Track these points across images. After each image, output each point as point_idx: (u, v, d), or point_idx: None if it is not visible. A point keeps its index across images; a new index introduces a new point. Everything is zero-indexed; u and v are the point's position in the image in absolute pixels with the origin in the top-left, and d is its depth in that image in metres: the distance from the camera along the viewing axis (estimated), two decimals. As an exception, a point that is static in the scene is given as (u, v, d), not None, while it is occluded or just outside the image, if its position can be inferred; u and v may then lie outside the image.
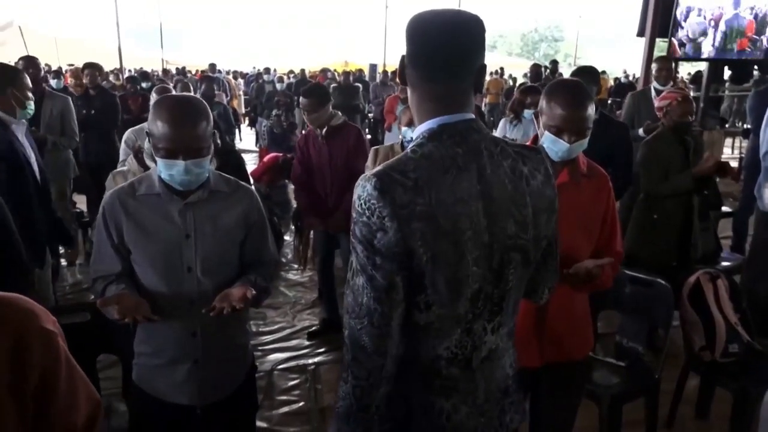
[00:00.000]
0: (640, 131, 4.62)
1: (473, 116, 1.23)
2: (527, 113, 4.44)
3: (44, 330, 0.98)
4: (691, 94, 8.02)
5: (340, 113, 3.87)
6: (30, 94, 3.06)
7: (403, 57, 1.25)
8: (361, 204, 1.14)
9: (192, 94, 1.75)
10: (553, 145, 1.89)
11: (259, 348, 3.80)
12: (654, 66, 4.99)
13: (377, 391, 1.21)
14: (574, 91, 1.90)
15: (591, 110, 1.90)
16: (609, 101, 11.06)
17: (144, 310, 1.60)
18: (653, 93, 4.79)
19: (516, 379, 1.41)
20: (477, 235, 1.18)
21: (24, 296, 1.01)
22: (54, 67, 19.69)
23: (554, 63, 11.37)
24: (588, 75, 3.56)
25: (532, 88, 4.70)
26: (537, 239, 1.28)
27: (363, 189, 1.14)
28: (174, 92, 4.05)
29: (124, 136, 3.76)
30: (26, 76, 3.14)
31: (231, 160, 4.62)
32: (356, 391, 1.21)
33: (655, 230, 3.49)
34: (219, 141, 4.48)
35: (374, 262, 1.15)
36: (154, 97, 3.89)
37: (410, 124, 3.27)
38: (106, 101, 5.82)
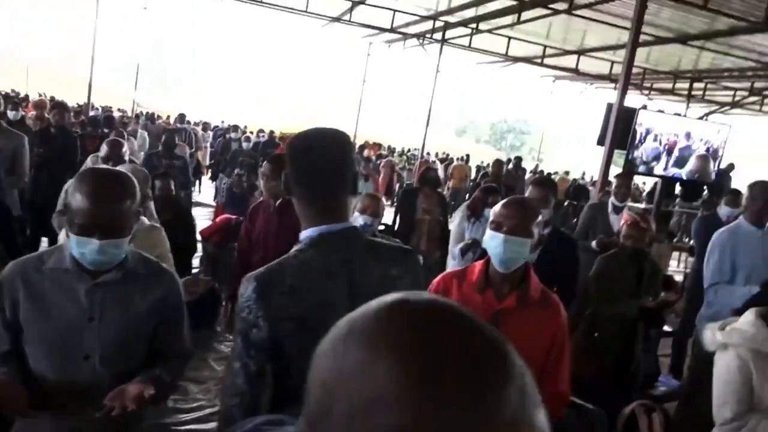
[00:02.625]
0: (593, 244, 4.67)
1: (351, 224, 1.42)
2: (487, 212, 4.45)
3: None
4: (643, 205, 8.28)
5: None
6: None
7: (285, 173, 1.41)
8: (241, 302, 1.31)
9: (119, 169, 1.61)
10: (491, 240, 1.88)
11: (173, 427, 3.53)
12: (613, 181, 5.12)
13: None
14: (515, 201, 1.98)
15: (539, 218, 1.94)
16: (566, 203, 11.30)
17: (20, 404, 1.42)
18: (610, 207, 4.89)
19: None
20: None
21: None
22: (22, 93, 19.46)
23: (518, 159, 11.70)
24: (550, 187, 3.61)
25: (492, 188, 4.73)
26: None
27: (245, 289, 1.31)
28: (126, 144, 3.93)
29: (66, 185, 3.59)
30: None
31: (181, 215, 4.51)
32: None
33: (596, 349, 3.45)
34: (173, 193, 4.38)
35: (248, 353, 1.31)
36: (103, 149, 3.78)
37: (364, 210, 3.22)
38: (66, 142, 5.63)
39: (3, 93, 17.92)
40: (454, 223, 4.96)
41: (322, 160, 1.37)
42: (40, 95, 19.60)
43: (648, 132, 7.04)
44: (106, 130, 8.74)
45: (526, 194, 3.66)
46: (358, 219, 3.23)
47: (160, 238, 2.78)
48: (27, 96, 19.16)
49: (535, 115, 54.94)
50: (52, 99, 19.37)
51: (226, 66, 64.97)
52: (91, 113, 13.08)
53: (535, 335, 1.89)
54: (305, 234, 1.38)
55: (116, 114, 18.19)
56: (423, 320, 0.52)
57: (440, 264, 5.97)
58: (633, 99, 13.00)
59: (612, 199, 4.95)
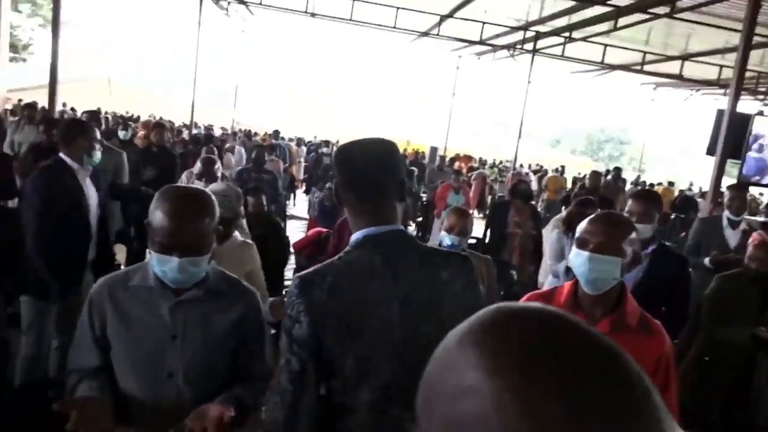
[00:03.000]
0: (706, 261, 4.31)
1: (398, 227, 1.44)
2: None
3: None
4: (762, 219, 7.56)
5: None
6: (97, 145, 3.33)
7: (336, 182, 1.47)
8: (287, 300, 1.38)
9: (199, 188, 1.61)
10: (575, 259, 1.73)
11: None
12: (726, 194, 4.70)
13: None
14: (602, 216, 1.80)
15: (632, 235, 1.75)
16: (673, 216, 10.56)
17: (107, 421, 1.42)
18: (725, 221, 4.51)
19: None
20: (388, 333, 1.36)
21: None
22: (136, 114, 20.99)
23: (617, 170, 10.98)
24: (653, 200, 3.24)
25: (588, 201, 4.48)
26: None
27: (291, 288, 1.37)
28: (218, 162, 4.06)
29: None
30: (95, 129, 3.41)
31: (273, 229, 4.60)
32: None
33: (707, 377, 3.14)
34: (264, 209, 4.48)
35: (291, 349, 1.34)
36: (197, 167, 3.92)
37: (450, 229, 3.08)
38: (167, 160, 5.93)
39: (119, 115, 19.39)
40: (551, 239, 4.74)
41: (365, 167, 1.43)
42: (149, 117, 21.02)
43: (760, 137, 6.46)
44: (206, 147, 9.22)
45: (626, 208, 3.41)
46: (444, 239, 3.06)
47: (251, 254, 2.81)
48: (139, 117, 20.59)
49: (635, 124, 52.52)
50: (160, 120, 20.75)
51: (319, 83, 66.94)
52: (194, 131, 13.80)
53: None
54: (352, 237, 1.44)
55: (218, 132, 19.14)
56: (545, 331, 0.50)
57: (534, 280, 5.75)
58: (746, 105, 12.09)
59: (726, 213, 4.55)
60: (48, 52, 7.72)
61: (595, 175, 8.30)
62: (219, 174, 4.01)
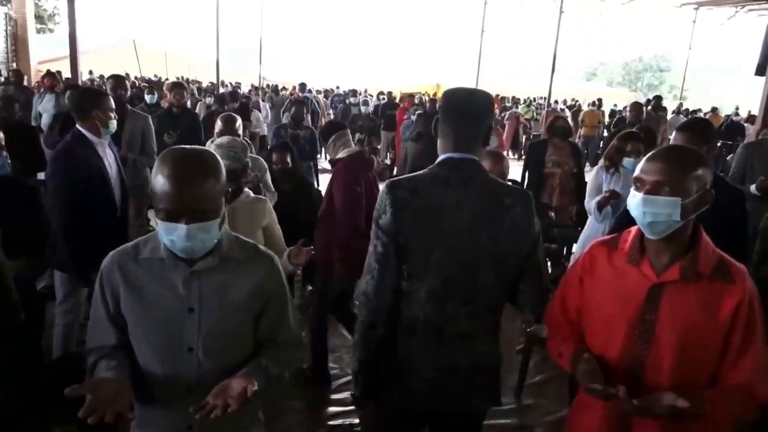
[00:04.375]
0: (752, 188, 4.04)
1: (473, 157, 1.77)
2: (627, 162, 3.96)
3: None
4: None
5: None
6: (112, 114, 3.32)
7: (436, 117, 1.86)
8: (378, 199, 1.75)
9: (201, 147, 1.49)
10: (631, 202, 1.60)
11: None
12: (772, 113, 4.37)
13: (374, 328, 1.77)
14: (661, 151, 1.62)
15: (700, 172, 1.56)
16: (719, 144, 10.05)
17: (121, 403, 1.33)
18: (773, 146, 4.20)
19: (491, 371, 1.86)
20: (453, 234, 1.70)
21: None
22: (164, 77, 20.96)
23: (658, 98, 10.24)
24: (698, 131, 2.81)
25: (632, 134, 4.20)
26: (507, 254, 1.76)
27: (381, 189, 1.75)
28: (239, 120, 3.93)
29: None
30: (109, 97, 3.41)
31: (301, 185, 4.50)
32: (361, 326, 1.79)
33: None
34: (289, 165, 4.37)
35: (377, 235, 1.74)
36: (218, 125, 3.80)
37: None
38: (189, 121, 5.83)
39: (146, 78, 19.37)
40: (591, 175, 4.51)
41: (459, 104, 1.81)
42: (176, 78, 20.96)
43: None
44: (234, 105, 9.10)
45: (671, 141, 3.12)
46: None
47: (265, 209, 2.71)
48: (167, 80, 20.56)
49: (674, 50, 50.15)
50: (188, 80, 20.65)
51: (343, 33, 65.70)
52: (222, 90, 13.64)
53: (707, 315, 1.54)
54: (439, 159, 1.79)
55: (247, 90, 18.99)
56: None
57: (576, 221, 5.54)
58: (797, 18, 11.24)
59: (773, 134, 4.23)
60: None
61: (637, 106, 7.84)
62: (240, 132, 3.88)
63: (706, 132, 2.88)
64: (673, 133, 3.01)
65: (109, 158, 3.39)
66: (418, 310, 1.73)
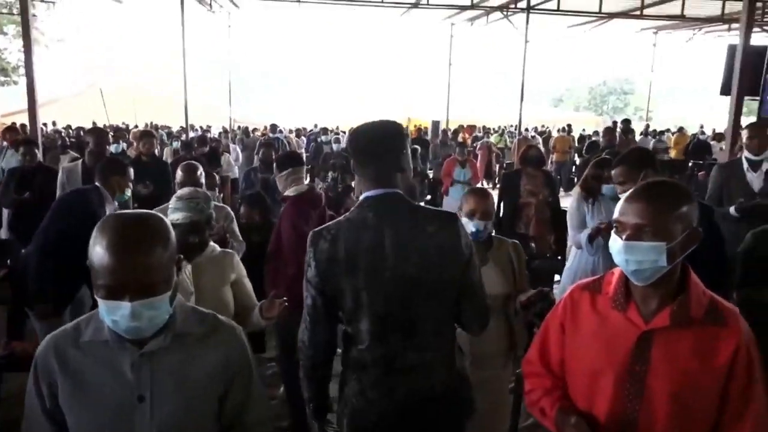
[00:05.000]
0: (732, 210, 3.98)
1: (395, 191, 1.77)
2: (606, 188, 3.83)
3: None
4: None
5: None
6: (129, 185, 3.65)
7: (348, 156, 1.88)
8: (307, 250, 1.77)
9: (151, 211, 1.32)
10: (612, 246, 1.47)
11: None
12: (744, 133, 4.34)
13: (315, 371, 1.89)
14: (639, 191, 1.49)
15: (685, 209, 1.44)
16: (690, 164, 10.10)
17: None
18: (745, 164, 4.16)
19: (450, 400, 1.82)
20: (378, 274, 1.70)
21: None
22: (132, 125, 20.75)
23: (626, 122, 10.31)
24: (633, 160, 2.99)
25: (606, 160, 4.11)
26: (440, 281, 1.74)
27: (308, 239, 1.77)
28: (200, 169, 3.76)
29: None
30: (130, 170, 3.70)
31: (269, 235, 4.30)
32: (303, 369, 1.89)
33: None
34: (257, 219, 4.16)
35: (306, 287, 1.79)
36: (179, 175, 3.64)
37: (473, 214, 2.63)
38: (159, 171, 5.59)
39: (113, 126, 19.10)
40: (570, 207, 4.42)
41: (368, 142, 1.79)
42: (145, 124, 20.75)
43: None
44: (203, 149, 8.92)
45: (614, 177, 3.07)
46: (468, 225, 2.60)
47: (233, 263, 2.55)
48: (136, 127, 20.31)
49: (637, 73, 51.45)
50: (156, 127, 20.43)
51: (312, 71, 66.31)
52: (192, 134, 13.44)
53: (703, 362, 1.41)
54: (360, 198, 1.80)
55: (216, 132, 18.83)
56: None
57: (555, 251, 5.45)
58: (755, 40, 11.55)
59: (746, 154, 4.19)
60: (39, 73, 7.47)
61: (609, 131, 7.91)
62: (203, 180, 3.72)
63: (642, 158, 3.02)
64: (613, 172, 3.05)
65: None
66: (364, 349, 1.75)
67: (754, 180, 4.12)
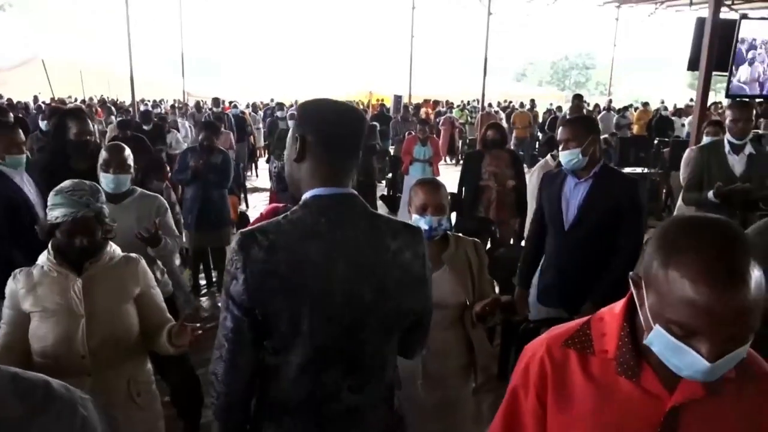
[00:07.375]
0: (710, 194, 3.72)
1: (351, 191, 1.42)
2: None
3: None
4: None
5: None
6: (20, 147, 3.28)
7: (298, 136, 1.41)
8: (228, 256, 1.37)
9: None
10: (677, 359, 0.99)
11: None
12: (728, 114, 4.04)
13: (230, 413, 1.45)
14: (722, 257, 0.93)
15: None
16: (656, 141, 9.83)
17: None
18: (727, 147, 3.89)
19: None
20: (327, 295, 1.34)
21: None
22: (80, 98, 19.71)
23: (577, 97, 9.05)
24: (580, 123, 3.00)
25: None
26: (398, 310, 1.42)
27: (233, 243, 1.37)
28: (127, 150, 3.29)
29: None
30: (13, 127, 3.36)
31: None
32: (215, 409, 1.46)
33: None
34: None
35: (227, 306, 1.37)
36: (103, 155, 3.17)
37: (423, 209, 2.26)
38: (92, 155, 5.04)
39: (47, 102, 18.06)
40: (530, 185, 4.10)
41: (337, 128, 1.41)
42: (90, 99, 19.73)
43: (753, 45, 5.82)
44: (146, 127, 8.31)
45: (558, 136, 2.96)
46: (419, 222, 2.25)
47: (137, 272, 2.15)
48: (84, 101, 19.29)
49: (599, 48, 51.65)
50: (114, 102, 19.44)
51: (271, 45, 64.71)
52: (142, 108, 12.60)
53: (741, 425, 1.06)
54: (304, 196, 1.39)
55: (170, 107, 18.01)
56: None
57: (520, 235, 5.15)
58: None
59: (728, 137, 3.93)
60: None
61: (577, 108, 7.70)
62: (131, 162, 3.24)
63: (587, 124, 2.97)
64: (559, 130, 3.00)
65: (28, 187, 3.32)
66: (289, 388, 1.39)
67: (736, 163, 3.87)
